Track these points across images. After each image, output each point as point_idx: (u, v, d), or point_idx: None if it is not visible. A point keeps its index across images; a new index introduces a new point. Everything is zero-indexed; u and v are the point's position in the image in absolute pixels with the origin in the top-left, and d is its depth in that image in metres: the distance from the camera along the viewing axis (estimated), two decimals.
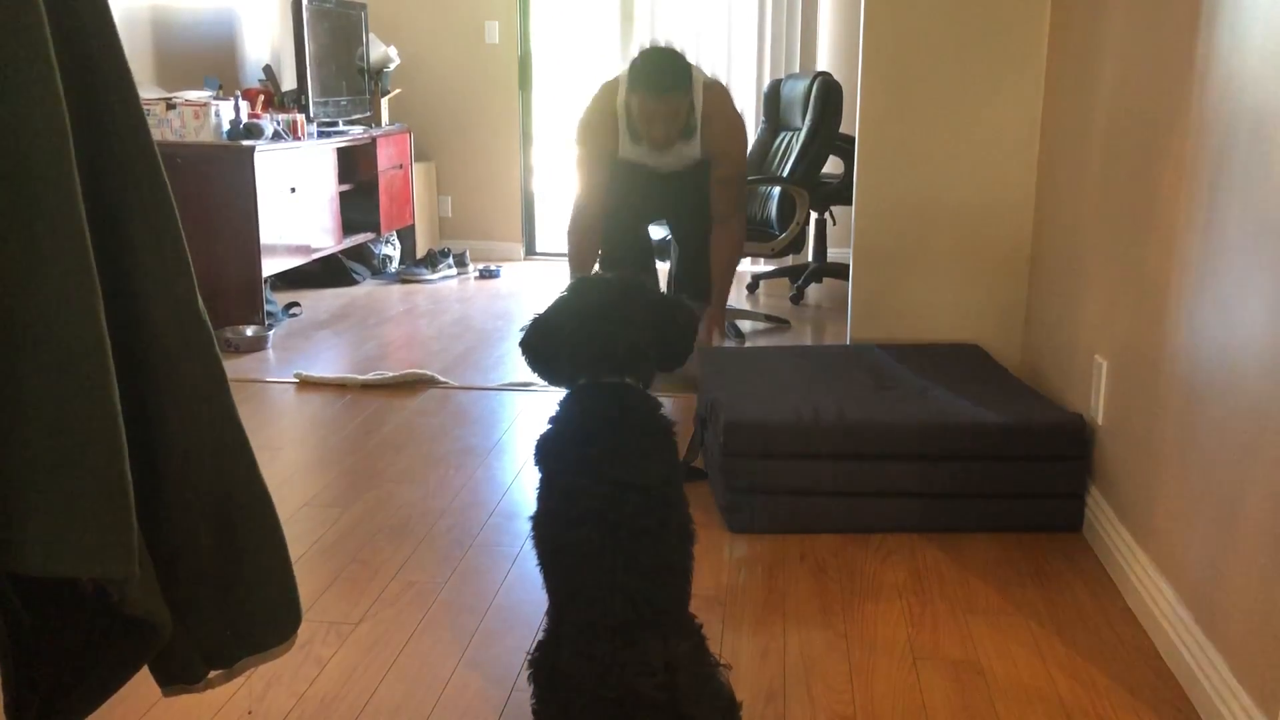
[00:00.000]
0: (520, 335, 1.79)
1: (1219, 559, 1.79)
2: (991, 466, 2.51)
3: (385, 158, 5.60)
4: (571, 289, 1.78)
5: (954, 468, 2.50)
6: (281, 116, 4.85)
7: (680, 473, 1.71)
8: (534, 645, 1.60)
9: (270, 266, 4.55)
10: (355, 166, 5.50)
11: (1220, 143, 1.86)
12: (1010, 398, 2.69)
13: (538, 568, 1.67)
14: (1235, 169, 1.79)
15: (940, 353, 3.12)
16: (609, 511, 1.54)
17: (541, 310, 1.79)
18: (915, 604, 2.18)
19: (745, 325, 4.59)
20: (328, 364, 4.07)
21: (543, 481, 1.69)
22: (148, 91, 4.73)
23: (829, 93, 4.55)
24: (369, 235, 5.56)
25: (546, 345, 1.76)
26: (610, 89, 3.70)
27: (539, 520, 1.66)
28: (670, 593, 1.54)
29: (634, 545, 1.52)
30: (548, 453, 1.69)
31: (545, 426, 1.71)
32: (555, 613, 1.62)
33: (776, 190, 4.58)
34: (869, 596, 2.22)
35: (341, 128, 5.42)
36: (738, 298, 5.17)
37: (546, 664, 1.55)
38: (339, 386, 3.71)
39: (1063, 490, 2.51)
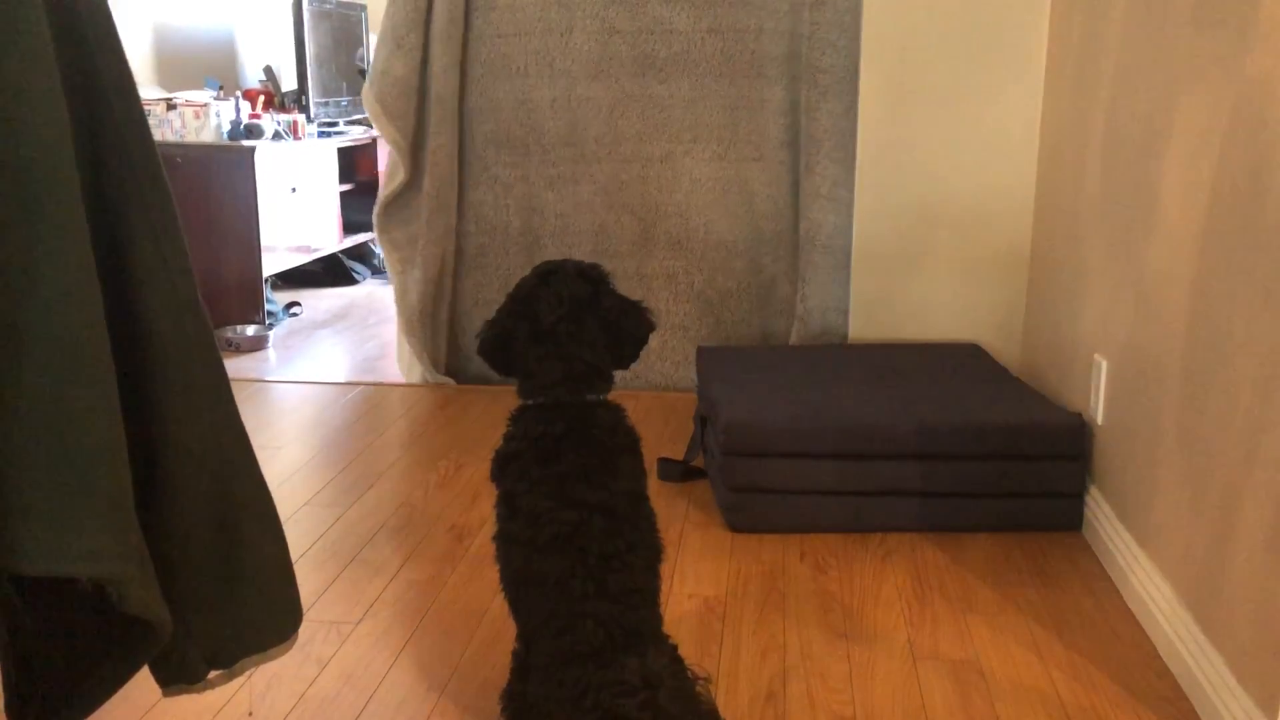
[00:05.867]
0: (477, 343, 1.73)
1: (1219, 559, 1.79)
2: (991, 466, 2.51)
3: (386, 158, 5.60)
4: (525, 291, 1.69)
5: (954, 468, 2.50)
6: (282, 117, 4.85)
7: (646, 483, 1.67)
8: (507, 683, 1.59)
9: (271, 266, 4.55)
10: (355, 166, 5.50)
11: (1220, 143, 1.86)
12: (1010, 398, 2.69)
13: (502, 593, 1.64)
14: (1235, 169, 1.79)
15: (940, 353, 3.12)
16: (576, 536, 1.52)
17: (496, 314, 1.72)
18: (915, 604, 2.18)
19: None
20: (329, 364, 4.08)
21: (502, 499, 1.64)
22: (148, 92, 4.74)
23: None
24: (369, 235, 5.56)
25: (503, 358, 1.71)
26: None
27: (503, 542, 1.62)
28: (642, 615, 1.52)
29: (602, 570, 1.50)
30: (508, 470, 1.64)
31: (501, 443, 1.67)
32: (524, 642, 1.60)
33: None
34: (869, 596, 2.22)
35: (342, 128, 5.42)
36: None
37: (517, 695, 1.53)
38: (339, 385, 3.71)
39: (1063, 490, 2.51)
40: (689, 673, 1.49)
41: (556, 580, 1.50)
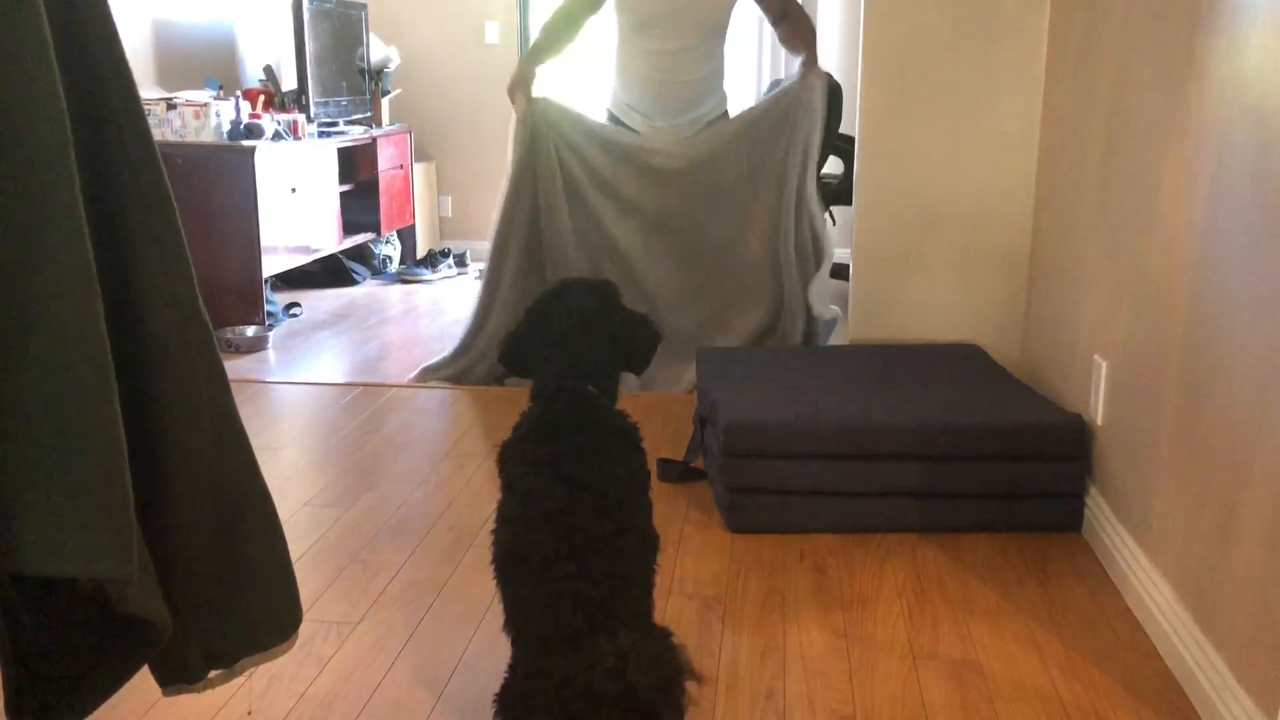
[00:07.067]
0: (498, 351, 1.86)
1: (1219, 559, 1.79)
2: (991, 466, 2.50)
3: (385, 158, 5.61)
4: (541, 304, 1.81)
5: (954, 468, 2.50)
6: (282, 117, 4.85)
7: (645, 476, 1.70)
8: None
9: (270, 266, 4.55)
10: (355, 167, 5.50)
11: (1220, 142, 1.86)
12: (1010, 398, 2.69)
13: (494, 582, 1.66)
14: (1235, 169, 1.79)
15: (940, 353, 3.12)
16: (564, 514, 1.53)
17: (514, 327, 1.83)
18: (915, 604, 2.18)
19: None
20: (329, 364, 4.08)
21: (503, 488, 1.68)
22: (148, 92, 4.74)
23: (829, 93, 4.55)
24: (369, 235, 5.56)
25: (520, 363, 1.81)
26: None
27: (498, 525, 1.65)
28: (624, 600, 1.52)
29: (587, 552, 1.50)
30: (510, 456, 1.69)
31: (510, 434, 1.73)
32: (511, 628, 1.61)
33: None
34: (869, 596, 2.22)
35: (342, 128, 5.42)
36: None
37: (506, 696, 1.54)
38: (339, 386, 3.71)
39: (1063, 490, 2.51)
40: (663, 641, 1.48)
41: (541, 558, 1.51)
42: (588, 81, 5.18)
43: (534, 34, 6.18)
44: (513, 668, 1.59)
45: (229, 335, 4.22)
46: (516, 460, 1.67)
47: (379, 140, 5.53)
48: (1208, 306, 1.88)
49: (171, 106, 4.52)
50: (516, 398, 3.54)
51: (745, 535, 2.50)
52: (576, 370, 1.72)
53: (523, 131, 3.70)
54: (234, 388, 1.22)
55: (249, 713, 1.80)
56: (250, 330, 4.32)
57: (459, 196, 6.41)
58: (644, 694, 1.35)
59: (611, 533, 1.54)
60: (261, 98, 5.03)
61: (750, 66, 5.76)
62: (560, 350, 1.73)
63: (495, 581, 1.66)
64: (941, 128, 3.19)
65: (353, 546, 2.44)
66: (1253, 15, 1.76)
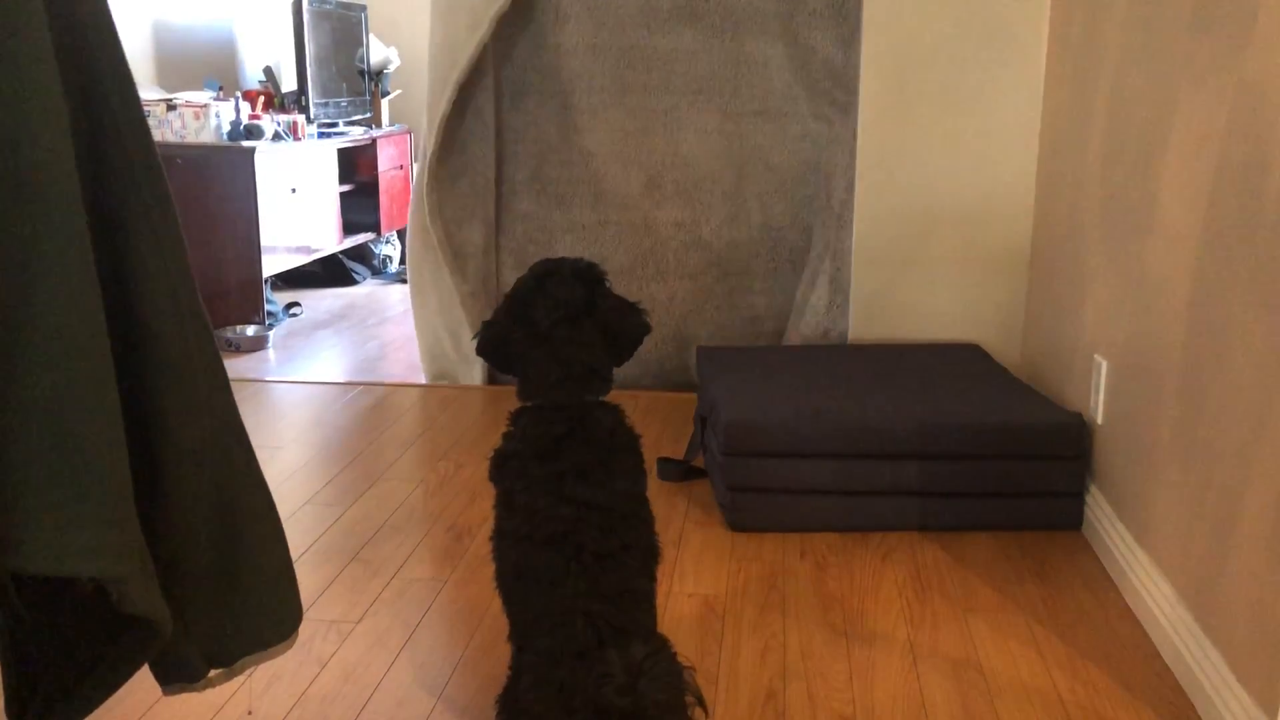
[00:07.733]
0: (476, 343, 1.73)
1: (1219, 558, 1.79)
2: (991, 466, 2.51)
3: (385, 158, 5.61)
4: (522, 292, 1.70)
5: (954, 467, 2.50)
6: (282, 117, 4.85)
7: (645, 486, 1.67)
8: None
9: (270, 266, 4.55)
10: (355, 167, 5.51)
11: (1220, 143, 1.86)
12: (1010, 398, 2.69)
13: (496, 590, 1.65)
14: (1234, 169, 1.79)
15: (940, 353, 3.12)
16: (572, 534, 1.52)
17: (494, 315, 1.73)
18: (915, 603, 2.18)
19: None
20: (329, 364, 4.08)
21: (500, 498, 1.65)
22: (148, 93, 4.74)
23: None
24: (369, 235, 5.56)
25: (502, 358, 1.72)
26: None
27: (499, 539, 1.63)
28: (633, 616, 1.52)
29: (596, 569, 1.50)
30: (506, 470, 1.65)
31: (501, 444, 1.68)
32: (517, 641, 1.60)
33: None
34: (869, 596, 2.22)
35: (342, 129, 5.43)
36: None
37: (510, 701, 1.54)
38: (339, 385, 3.71)
39: (1063, 490, 2.51)
40: (673, 660, 1.48)
41: (550, 577, 1.51)
42: None
43: None
44: (515, 670, 1.59)
45: (229, 335, 4.22)
46: (514, 475, 1.62)
47: (379, 141, 5.53)
48: (1207, 306, 1.88)
49: (171, 107, 4.52)
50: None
51: (745, 534, 2.50)
52: (571, 379, 1.65)
53: None
54: (234, 387, 1.22)
55: (249, 713, 1.80)
56: (250, 330, 4.32)
57: None
58: (653, 710, 1.35)
59: (618, 549, 1.54)
60: (261, 98, 5.03)
61: None
62: (550, 353, 1.65)
63: (499, 594, 1.65)
64: (941, 128, 3.19)
65: (353, 546, 2.44)
66: (1251, 16, 1.76)
